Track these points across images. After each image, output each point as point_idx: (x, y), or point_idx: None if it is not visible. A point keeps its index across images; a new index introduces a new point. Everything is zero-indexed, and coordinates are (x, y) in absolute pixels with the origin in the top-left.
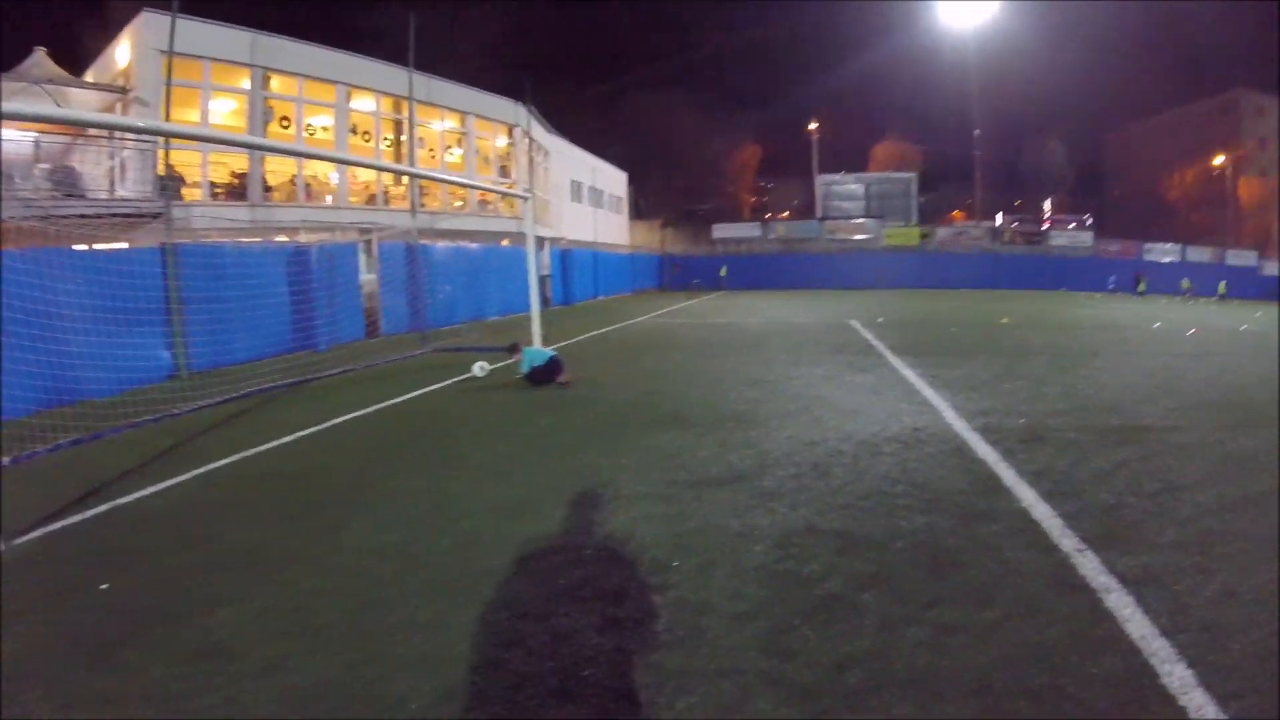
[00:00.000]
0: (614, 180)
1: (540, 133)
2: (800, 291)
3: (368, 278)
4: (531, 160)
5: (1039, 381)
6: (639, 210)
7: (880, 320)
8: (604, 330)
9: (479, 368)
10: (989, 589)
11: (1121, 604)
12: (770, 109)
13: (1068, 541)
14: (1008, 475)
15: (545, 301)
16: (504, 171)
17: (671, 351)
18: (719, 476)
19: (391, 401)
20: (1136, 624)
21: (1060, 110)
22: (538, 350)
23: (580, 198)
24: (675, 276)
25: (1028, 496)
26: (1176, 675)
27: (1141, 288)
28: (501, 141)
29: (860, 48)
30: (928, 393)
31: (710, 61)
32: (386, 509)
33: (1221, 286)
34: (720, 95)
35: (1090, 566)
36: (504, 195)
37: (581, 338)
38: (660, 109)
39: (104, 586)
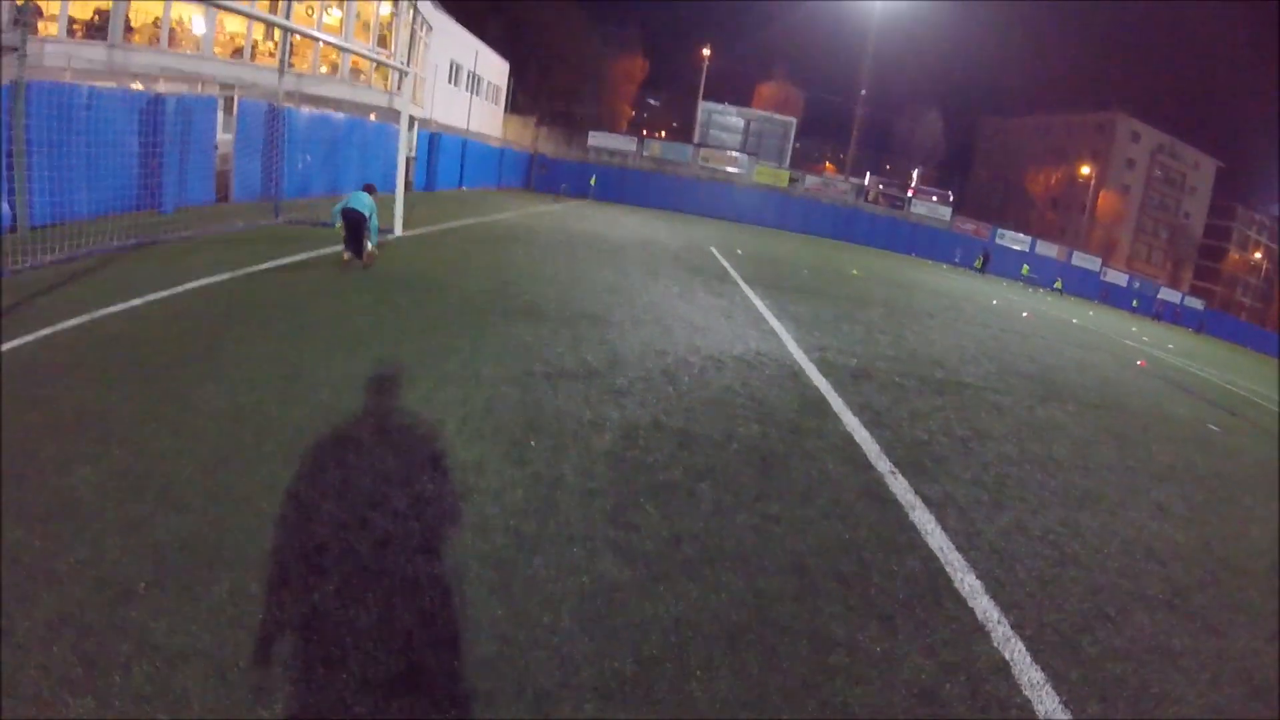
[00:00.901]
0: (495, 68)
1: (427, 7)
2: (666, 212)
3: (224, 137)
4: (414, 34)
5: (875, 329)
6: (515, 104)
7: (739, 252)
8: (466, 221)
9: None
10: (810, 491)
11: (924, 520)
12: (665, 27)
13: (882, 464)
14: (836, 402)
15: (407, 185)
16: (383, 41)
17: (533, 249)
18: (573, 370)
19: (243, 270)
20: (936, 538)
21: (947, 87)
22: (359, 196)
23: (458, 81)
24: (543, 178)
25: (852, 423)
26: (967, 583)
27: (978, 264)
28: (385, 9)
29: None
30: (774, 323)
31: None
32: (238, 375)
33: (1058, 282)
34: (615, 6)
35: (899, 486)
36: (380, 64)
37: (442, 226)
38: (550, 3)
39: None
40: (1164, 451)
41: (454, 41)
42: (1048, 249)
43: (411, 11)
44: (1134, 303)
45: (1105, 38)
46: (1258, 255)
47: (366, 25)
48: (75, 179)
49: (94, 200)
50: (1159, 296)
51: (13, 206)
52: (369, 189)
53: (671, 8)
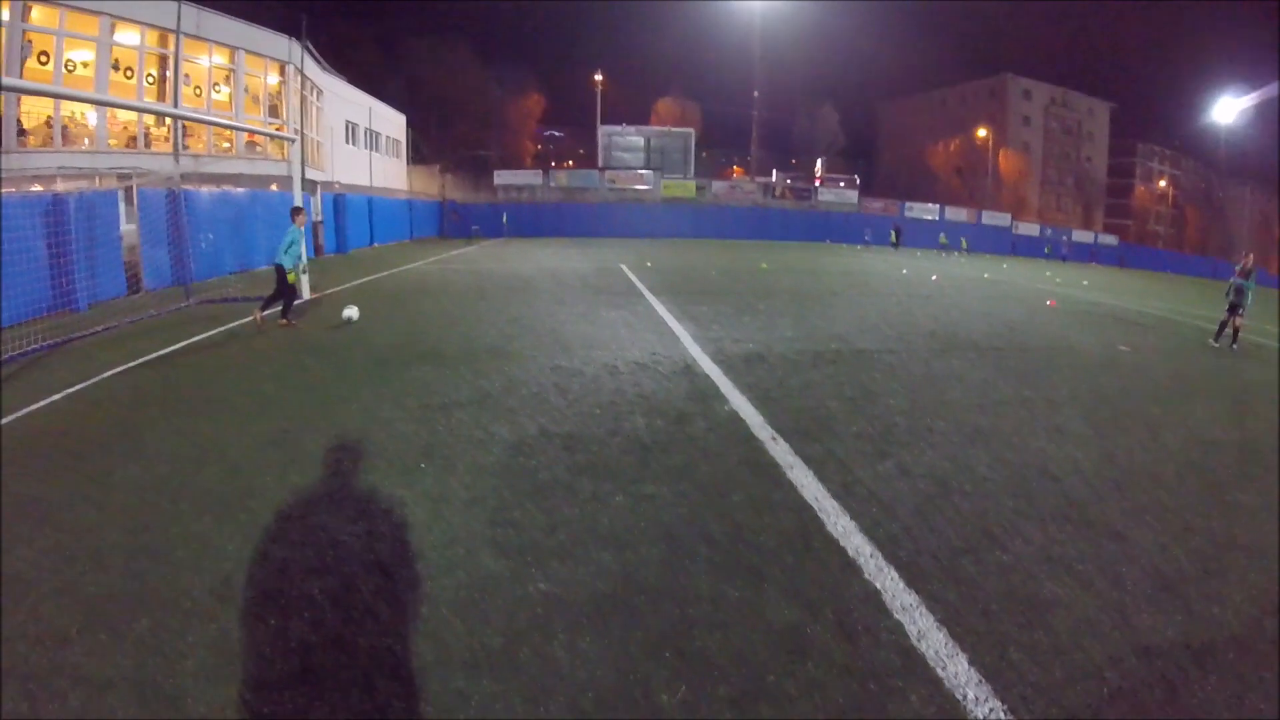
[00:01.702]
0: (392, 123)
1: (315, 71)
2: (580, 240)
3: (128, 228)
4: (304, 100)
5: (776, 316)
6: (419, 155)
7: (649, 265)
8: (376, 277)
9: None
10: (687, 469)
11: (801, 477)
12: (558, 60)
13: (764, 433)
14: (725, 385)
15: (318, 250)
16: (274, 111)
17: (440, 297)
18: (468, 399)
19: (156, 354)
20: (811, 490)
21: (838, 79)
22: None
23: (355, 140)
24: (455, 224)
25: (738, 402)
26: (841, 524)
27: (893, 239)
28: (273, 80)
29: (647, 5)
30: (674, 325)
31: (496, 9)
32: (155, 451)
33: (964, 241)
34: (507, 44)
35: (779, 450)
36: (271, 138)
37: (352, 284)
38: (443, 53)
39: None
40: (1066, 380)
41: (347, 102)
42: (957, 214)
43: (299, 78)
44: (1045, 249)
45: (984, 3)
46: (1162, 184)
47: (256, 98)
48: None
49: (6, 309)
50: (1071, 240)
51: None
52: (294, 213)
53: (560, 41)
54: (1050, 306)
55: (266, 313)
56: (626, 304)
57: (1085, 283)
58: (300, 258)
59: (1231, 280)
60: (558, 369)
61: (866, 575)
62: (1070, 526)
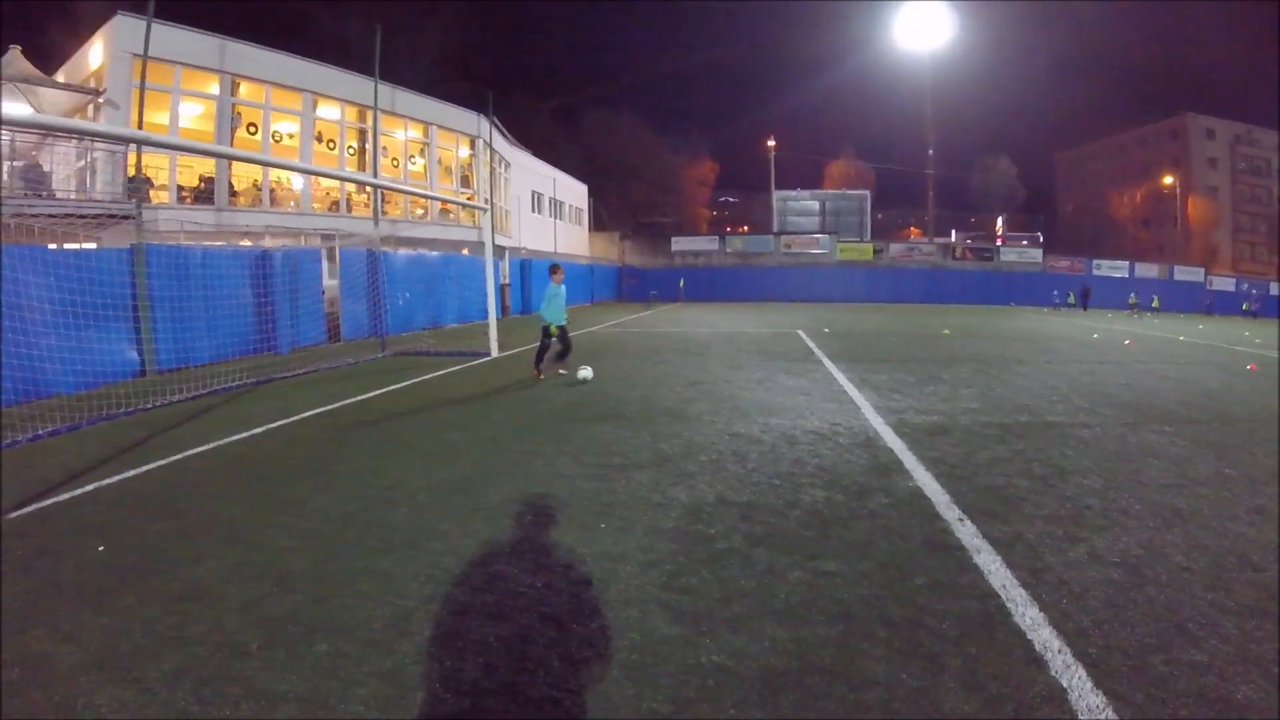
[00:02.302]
0: (574, 192)
1: (501, 144)
2: (754, 304)
3: (330, 283)
4: (492, 171)
5: (960, 385)
6: (599, 222)
7: (825, 330)
8: None
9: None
10: (868, 546)
11: (989, 561)
12: (730, 126)
13: (950, 513)
14: (908, 459)
15: (504, 310)
16: (465, 181)
17: (618, 357)
18: (647, 461)
19: (352, 399)
20: (998, 577)
21: (1012, 130)
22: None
23: (540, 208)
24: (633, 288)
25: (922, 477)
26: (1029, 616)
27: (1070, 300)
28: (464, 152)
29: (818, 68)
30: (853, 393)
31: (671, 79)
32: (346, 487)
33: (1155, 300)
34: (680, 112)
35: (966, 532)
36: (463, 206)
37: (534, 344)
38: (622, 124)
39: (100, 549)
40: (1270, 454)
41: (532, 173)
42: (1148, 270)
43: (488, 152)
44: (1244, 305)
45: (1154, 40)
46: None
47: (448, 169)
48: (195, 328)
49: (215, 346)
50: (1270, 293)
51: (140, 354)
52: (553, 271)
53: (731, 109)
54: (1251, 370)
55: (543, 367)
56: (804, 370)
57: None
58: (559, 313)
59: None
60: (735, 435)
61: (1053, 671)
62: (1271, 622)
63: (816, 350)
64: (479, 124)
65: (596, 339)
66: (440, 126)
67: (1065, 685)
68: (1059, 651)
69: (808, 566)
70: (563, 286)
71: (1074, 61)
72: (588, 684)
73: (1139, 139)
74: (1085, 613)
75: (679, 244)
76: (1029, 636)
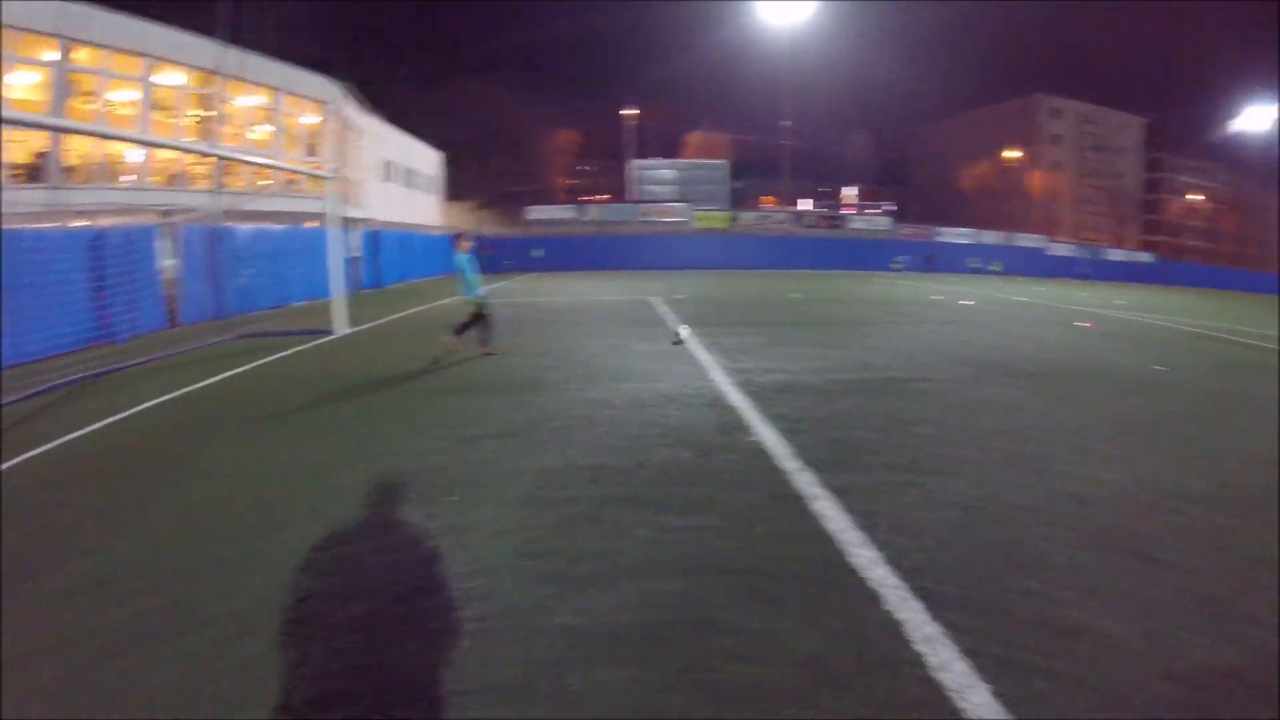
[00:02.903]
0: (429, 160)
1: (353, 111)
2: (612, 272)
3: (169, 263)
4: (343, 139)
5: (806, 345)
6: (455, 191)
7: (680, 297)
8: (411, 311)
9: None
10: (712, 501)
11: (826, 508)
12: (588, 96)
13: (790, 464)
14: (752, 417)
15: (355, 284)
16: (313, 150)
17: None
18: (499, 431)
19: (194, 387)
20: (835, 521)
21: (869, 105)
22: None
23: (393, 177)
24: (491, 258)
25: (766, 434)
26: (865, 555)
27: (897, 264)
28: (312, 119)
29: (677, 40)
30: (703, 357)
31: (529, 48)
32: (190, 481)
33: (996, 264)
34: (539, 81)
35: (804, 481)
36: (309, 176)
37: (387, 319)
38: (478, 92)
39: None
40: (1099, 402)
41: (385, 140)
42: (991, 237)
43: (338, 118)
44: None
45: (1013, 23)
46: (1198, 197)
47: (295, 137)
48: (27, 320)
49: (49, 338)
50: (1106, 258)
51: None
52: (459, 241)
53: (592, 79)
54: (1088, 328)
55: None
56: (656, 336)
57: (1120, 302)
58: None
59: None
60: (587, 401)
61: (887, 606)
62: (1099, 551)
63: (669, 316)
64: (330, 89)
65: (449, 311)
66: (288, 92)
67: (901, 619)
68: (895, 588)
69: (654, 523)
70: (468, 256)
71: (935, 40)
72: (438, 659)
73: (991, 116)
74: (921, 550)
75: (535, 213)
76: (864, 575)
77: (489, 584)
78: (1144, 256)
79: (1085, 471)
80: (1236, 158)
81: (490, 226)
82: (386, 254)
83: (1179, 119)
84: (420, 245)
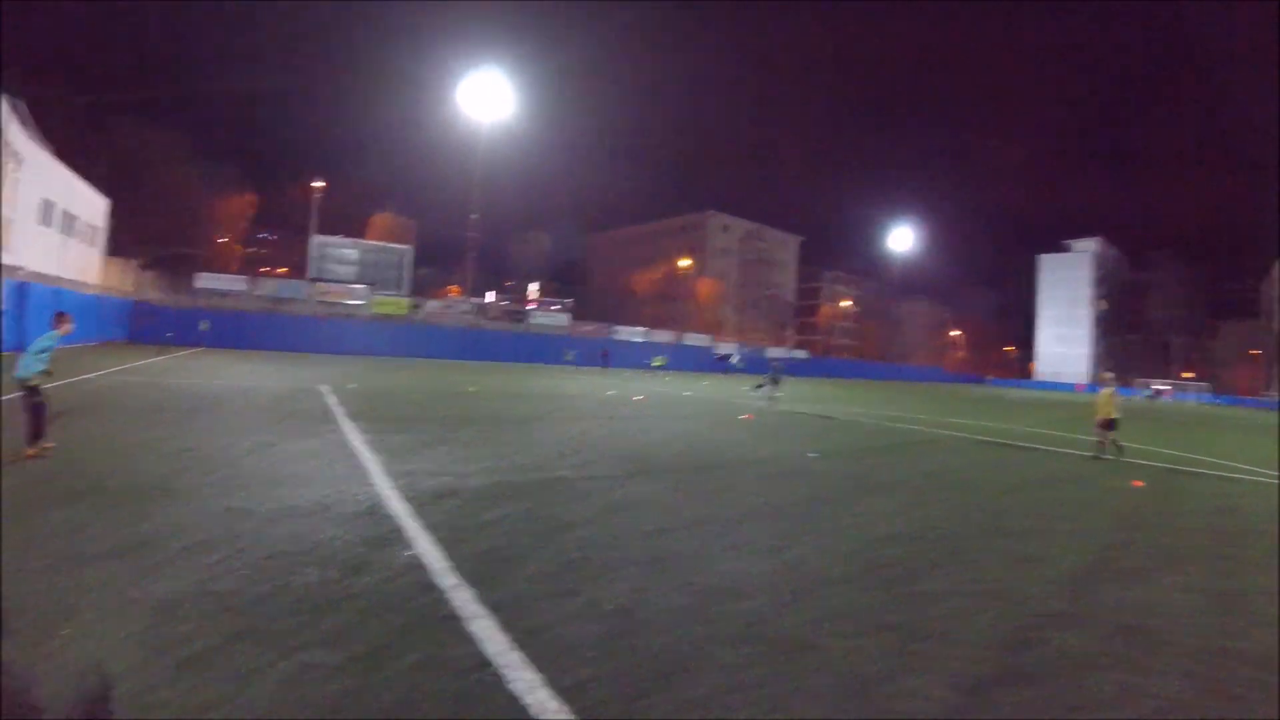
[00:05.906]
0: (93, 207)
1: (18, 135)
2: (283, 354)
3: None
4: (2, 167)
5: (478, 444)
6: (117, 247)
7: (351, 387)
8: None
9: (736, 358)
10: (357, 628)
11: (484, 628)
12: (274, 163)
13: (449, 579)
14: (410, 526)
15: None
16: None
17: (112, 416)
18: (112, 550)
19: None
20: (494, 643)
21: (554, 207)
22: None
23: (51, 221)
24: (149, 327)
25: (424, 545)
26: (524, 679)
27: (569, 356)
28: None
29: (372, 120)
30: (367, 456)
31: (216, 102)
32: None
33: (659, 359)
34: (222, 139)
35: (463, 599)
36: None
37: (9, 395)
38: (158, 138)
39: None
40: (754, 491)
41: (50, 176)
42: (662, 335)
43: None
44: (733, 359)
45: (692, 148)
46: (846, 304)
47: None
48: None
49: None
50: (756, 355)
51: None
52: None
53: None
54: (748, 420)
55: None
56: (319, 431)
57: (778, 395)
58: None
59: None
60: (230, 510)
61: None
62: (759, 645)
63: (336, 408)
64: None
65: (89, 391)
66: None
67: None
68: (555, 713)
69: (290, 662)
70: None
71: (618, 153)
72: None
73: (666, 228)
74: (583, 665)
75: (205, 280)
76: (524, 701)
77: None
78: (800, 353)
79: (736, 565)
80: (883, 270)
81: (154, 291)
82: (33, 311)
83: (834, 237)
84: (71, 305)
